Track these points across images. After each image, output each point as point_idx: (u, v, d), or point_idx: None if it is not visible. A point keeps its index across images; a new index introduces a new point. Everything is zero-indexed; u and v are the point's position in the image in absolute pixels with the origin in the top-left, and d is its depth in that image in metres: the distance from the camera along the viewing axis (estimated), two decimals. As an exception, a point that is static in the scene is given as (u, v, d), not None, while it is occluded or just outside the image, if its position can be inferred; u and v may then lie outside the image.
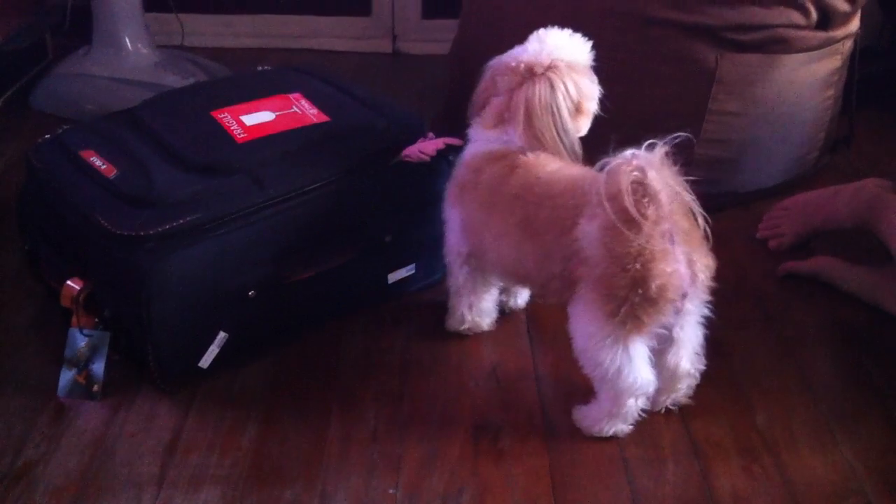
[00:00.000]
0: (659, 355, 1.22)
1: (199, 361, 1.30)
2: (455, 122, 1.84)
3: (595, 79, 1.31)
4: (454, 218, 1.35)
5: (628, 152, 1.12)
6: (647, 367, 1.18)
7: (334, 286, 1.41)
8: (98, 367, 1.29)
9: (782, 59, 1.70)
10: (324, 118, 1.45)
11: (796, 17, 1.67)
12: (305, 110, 1.47)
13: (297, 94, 1.51)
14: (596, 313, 1.16)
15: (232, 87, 1.58)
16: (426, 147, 1.43)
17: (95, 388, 1.29)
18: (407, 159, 1.42)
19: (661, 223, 1.11)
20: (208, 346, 1.30)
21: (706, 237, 1.17)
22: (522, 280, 1.36)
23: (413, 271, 1.50)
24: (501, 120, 1.30)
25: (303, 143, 1.39)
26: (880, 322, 1.47)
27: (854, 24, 1.80)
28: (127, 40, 2.20)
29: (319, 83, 1.57)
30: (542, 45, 1.28)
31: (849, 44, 1.81)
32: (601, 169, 1.14)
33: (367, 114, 1.49)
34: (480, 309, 1.41)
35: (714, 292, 1.52)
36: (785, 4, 1.65)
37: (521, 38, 1.74)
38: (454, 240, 1.36)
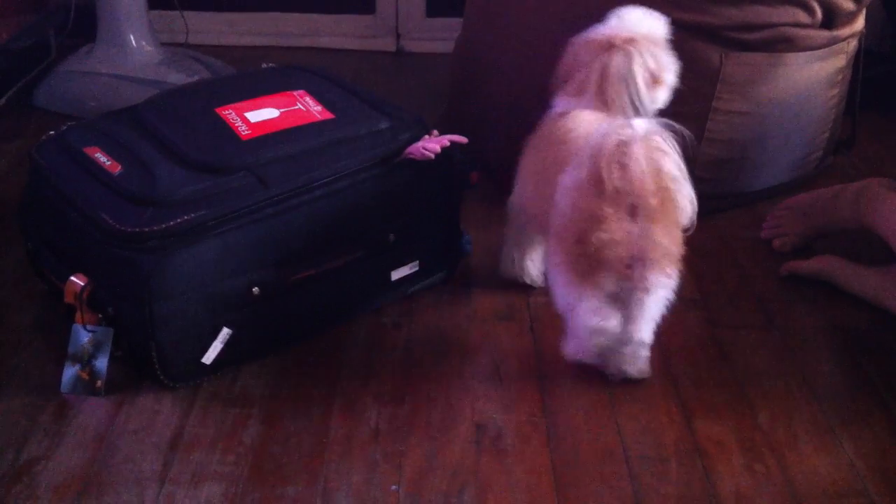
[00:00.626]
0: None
1: (202, 357, 1.31)
2: (458, 120, 1.85)
3: (672, 54, 1.37)
4: (519, 171, 1.44)
5: (628, 121, 1.19)
6: (598, 317, 1.26)
7: (338, 284, 1.41)
8: (101, 364, 1.29)
9: (787, 58, 1.70)
10: (328, 115, 1.45)
11: (801, 16, 1.67)
12: (310, 107, 1.47)
13: (301, 92, 1.51)
14: (553, 258, 1.28)
15: (236, 84, 1.58)
16: (430, 145, 1.43)
17: (99, 384, 1.29)
18: (411, 157, 1.43)
19: (624, 194, 1.17)
20: (212, 343, 1.30)
21: (682, 224, 1.23)
22: (539, 224, 1.40)
23: (416, 268, 1.50)
24: (582, 89, 1.36)
25: (307, 141, 1.39)
26: (883, 323, 1.47)
27: (859, 24, 1.80)
28: (131, 38, 2.20)
29: (324, 81, 1.57)
30: (622, 21, 1.35)
31: (853, 43, 1.81)
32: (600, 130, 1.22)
33: (371, 112, 1.49)
34: (529, 260, 1.52)
35: (716, 293, 1.55)
36: (789, 3, 1.65)
37: (523, 36, 1.75)
38: (515, 191, 1.46)
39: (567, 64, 1.41)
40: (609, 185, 1.17)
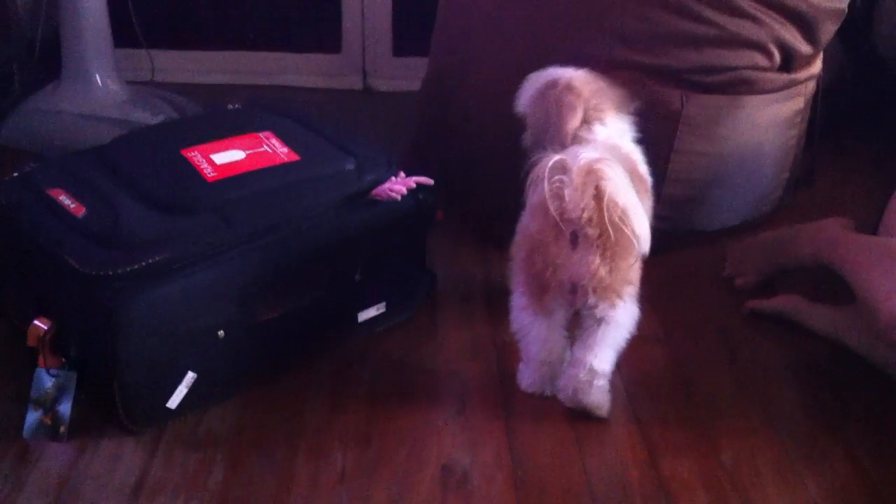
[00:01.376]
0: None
1: (166, 402, 1.30)
2: (424, 160, 1.86)
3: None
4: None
5: (571, 151, 1.24)
6: (543, 340, 1.32)
7: (304, 325, 1.41)
8: (65, 408, 1.28)
9: (746, 100, 1.73)
10: (294, 157, 1.46)
11: (760, 60, 1.70)
12: (276, 149, 1.47)
13: (267, 133, 1.51)
14: (513, 281, 1.33)
15: (202, 126, 1.58)
16: (396, 187, 1.44)
17: (62, 429, 1.28)
18: (377, 198, 1.43)
19: (566, 221, 1.22)
20: (176, 387, 1.29)
21: (632, 255, 1.25)
22: None
23: (383, 310, 1.50)
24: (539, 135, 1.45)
25: (273, 183, 1.40)
26: (843, 359, 1.49)
27: (816, 66, 1.84)
28: (97, 76, 2.19)
29: (290, 122, 1.58)
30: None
31: (811, 85, 1.85)
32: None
33: (337, 153, 1.49)
34: None
35: (679, 330, 1.56)
36: (748, 47, 1.68)
37: (489, 77, 1.77)
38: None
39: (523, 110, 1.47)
40: (551, 213, 1.21)
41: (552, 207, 1.21)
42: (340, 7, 2.57)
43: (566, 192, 1.20)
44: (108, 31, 2.19)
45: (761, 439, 1.33)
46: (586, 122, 1.40)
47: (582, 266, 1.24)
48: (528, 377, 1.38)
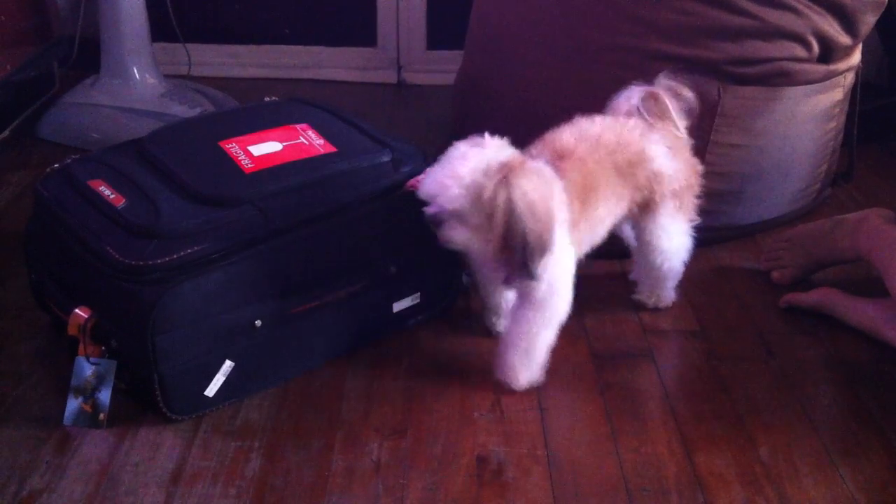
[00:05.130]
0: None
1: (204, 390, 1.31)
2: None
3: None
4: None
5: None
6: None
7: (340, 316, 1.42)
8: (104, 396, 1.30)
9: (785, 92, 1.71)
10: (331, 149, 1.47)
11: (798, 51, 1.69)
12: (312, 141, 1.48)
13: (304, 125, 1.52)
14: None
15: (240, 118, 1.59)
16: (431, 178, 1.44)
17: (101, 416, 1.30)
18: (412, 190, 1.44)
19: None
20: (214, 375, 1.31)
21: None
22: None
23: (418, 300, 1.51)
24: None
25: (309, 175, 1.41)
26: (881, 354, 1.48)
27: (856, 58, 1.82)
28: (135, 70, 2.22)
29: (326, 114, 1.59)
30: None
31: (850, 77, 1.83)
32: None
33: (372, 145, 1.50)
34: None
35: (716, 325, 1.55)
36: (787, 38, 1.67)
37: (524, 70, 1.77)
38: None
39: None
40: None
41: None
42: (375, 1, 2.58)
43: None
44: (146, 25, 2.22)
45: (798, 433, 1.32)
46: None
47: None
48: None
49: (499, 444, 1.29)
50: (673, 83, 1.47)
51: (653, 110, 1.45)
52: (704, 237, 1.77)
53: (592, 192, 1.36)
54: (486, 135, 1.29)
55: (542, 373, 1.39)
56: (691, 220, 1.52)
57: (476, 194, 1.23)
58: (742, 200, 1.78)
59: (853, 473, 1.25)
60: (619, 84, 1.63)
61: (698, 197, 1.52)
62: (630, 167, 1.40)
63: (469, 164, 1.24)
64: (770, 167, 1.77)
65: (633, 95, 1.47)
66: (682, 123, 1.49)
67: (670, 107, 1.45)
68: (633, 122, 1.44)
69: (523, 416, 1.34)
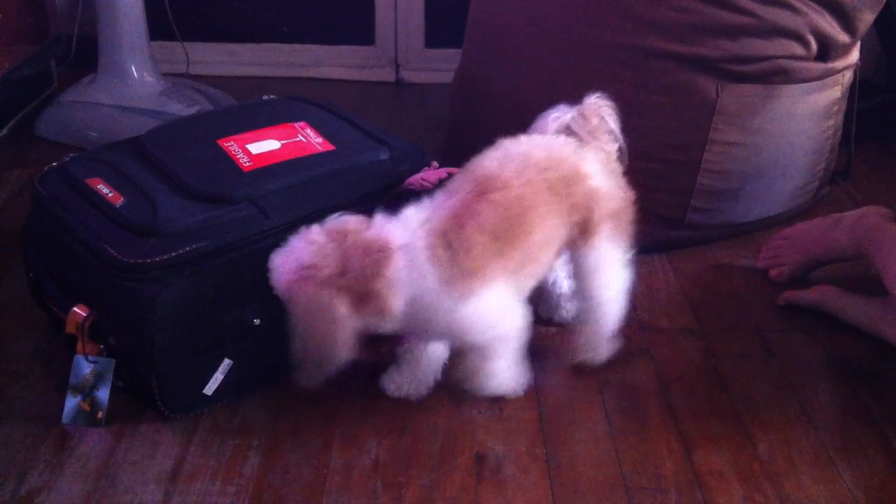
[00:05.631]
0: None
1: (203, 388, 1.31)
2: (458, 150, 1.86)
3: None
4: None
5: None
6: None
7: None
8: (103, 394, 1.30)
9: (783, 90, 1.71)
10: (329, 147, 1.47)
11: (796, 49, 1.69)
12: (311, 139, 1.48)
13: (302, 123, 1.52)
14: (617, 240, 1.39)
15: (238, 116, 1.59)
16: (429, 176, 1.44)
17: (100, 414, 1.30)
18: (410, 188, 1.44)
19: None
20: (212, 374, 1.31)
21: None
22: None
23: (416, 300, 1.50)
24: None
25: (308, 172, 1.41)
26: (880, 352, 1.48)
27: (854, 56, 1.82)
28: (133, 68, 2.21)
29: (324, 112, 1.59)
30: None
31: (848, 75, 1.83)
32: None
33: (371, 143, 1.50)
34: None
35: (714, 323, 1.55)
36: (785, 36, 1.67)
37: (522, 68, 1.77)
38: None
39: None
40: None
41: None
42: (373, -1, 2.58)
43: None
44: (144, 24, 2.21)
45: (797, 431, 1.32)
46: None
47: None
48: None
49: (497, 443, 1.29)
50: (602, 104, 1.38)
51: (584, 129, 1.37)
52: (703, 235, 1.78)
53: (521, 219, 1.26)
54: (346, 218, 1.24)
55: (529, 374, 1.39)
56: (628, 250, 1.39)
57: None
58: (740, 198, 1.78)
59: (852, 471, 1.25)
60: (618, 81, 1.63)
61: (632, 224, 1.38)
62: (566, 185, 1.30)
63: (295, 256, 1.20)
64: (768, 165, 1.77)
65: (561, 115, 1.39)
66: (611, 146, 1.39)
67: (601, 126, 1.38)
68: (563, 138, 1.35)
69: (522, 414, 1.34)
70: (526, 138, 1.36)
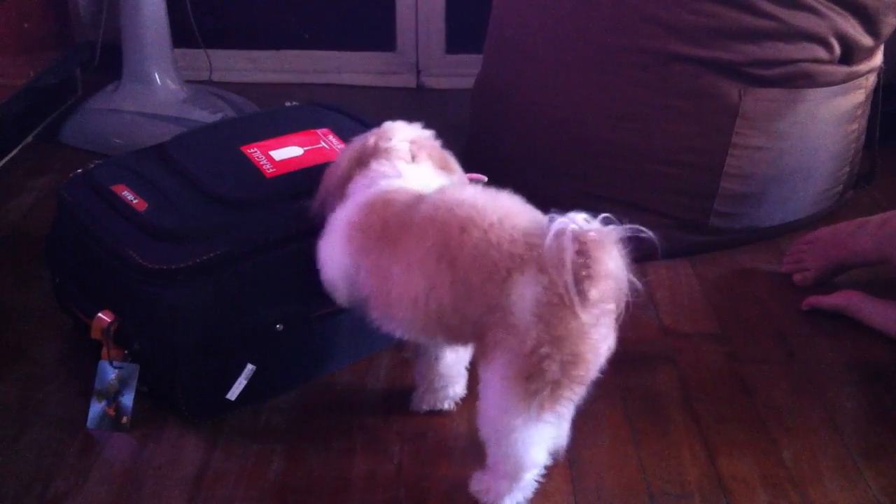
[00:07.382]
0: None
1: (226, 393, 1.32)
2: (479, 156, 1.86)
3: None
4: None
5: (581, 218, 1.02)
6: (546, 447, 1.14)
7: (361, 320, 1.42)
8: (127, 399, 1.31)
9: (806, 94, 1.70)
10: (350, 153, 1.47)
11: (819, 52, 1.68)
12: (333, 145, 1.49)
13: (324, 130, 1.53)
14: (516, 389, 1.06)
15: (261, 123, 1.60)
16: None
17: (124, 419, 1.31)
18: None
19: (599, 306, 1.04)
20: (236, 379, 1.31)
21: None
22: (432, 323, 1.13)
23: (438, 305, 1.50)
24: None
25: (330, 179, 1.41)
26: (906, 357, 1.47)
27: (877, 59, 1.81)
28: (156, 76, 2.23)
29: (346, 119, 1.59)
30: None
31: (872, 78, 1.82)
32: (550, 224, 1.03)
33: (392, 149, 1.50)
34: None
35: (737, 327, 1.54)
36: (808, 39, 1.66)
37: (543, 74, 1.77)
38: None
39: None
40: (584, 301, 1.04)
41: (591, 295, 1.03)
42: (395, 5, 2.58)
43: (604, 273, 1.03)
44: (167, 31, 2.23)
45: (821, 437, 1.31)
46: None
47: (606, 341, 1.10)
48: (508, 495, 1.19)
49: (520, 448, 1.29)
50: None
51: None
52: (726, 240, 1.77)
53: None
54: None
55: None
56: None
57: None
58: (763, 203, 1.77)
59: (877, 476, 1.24)
60: (640, 86, 1.63)
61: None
62: None
63: None
64: (791, 169, 1.76)
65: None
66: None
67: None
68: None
69: (544, 419, 1.34)
70: None
